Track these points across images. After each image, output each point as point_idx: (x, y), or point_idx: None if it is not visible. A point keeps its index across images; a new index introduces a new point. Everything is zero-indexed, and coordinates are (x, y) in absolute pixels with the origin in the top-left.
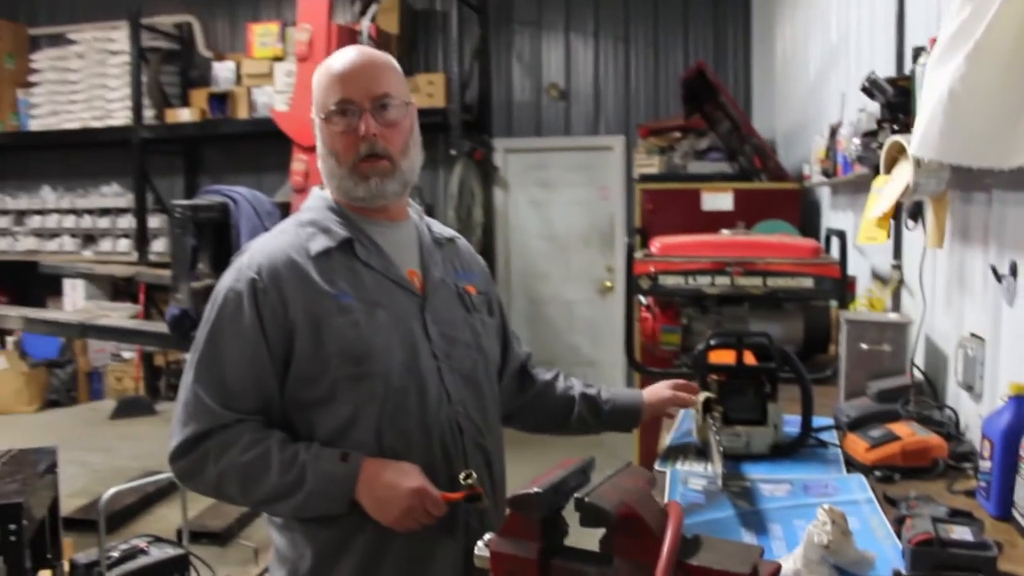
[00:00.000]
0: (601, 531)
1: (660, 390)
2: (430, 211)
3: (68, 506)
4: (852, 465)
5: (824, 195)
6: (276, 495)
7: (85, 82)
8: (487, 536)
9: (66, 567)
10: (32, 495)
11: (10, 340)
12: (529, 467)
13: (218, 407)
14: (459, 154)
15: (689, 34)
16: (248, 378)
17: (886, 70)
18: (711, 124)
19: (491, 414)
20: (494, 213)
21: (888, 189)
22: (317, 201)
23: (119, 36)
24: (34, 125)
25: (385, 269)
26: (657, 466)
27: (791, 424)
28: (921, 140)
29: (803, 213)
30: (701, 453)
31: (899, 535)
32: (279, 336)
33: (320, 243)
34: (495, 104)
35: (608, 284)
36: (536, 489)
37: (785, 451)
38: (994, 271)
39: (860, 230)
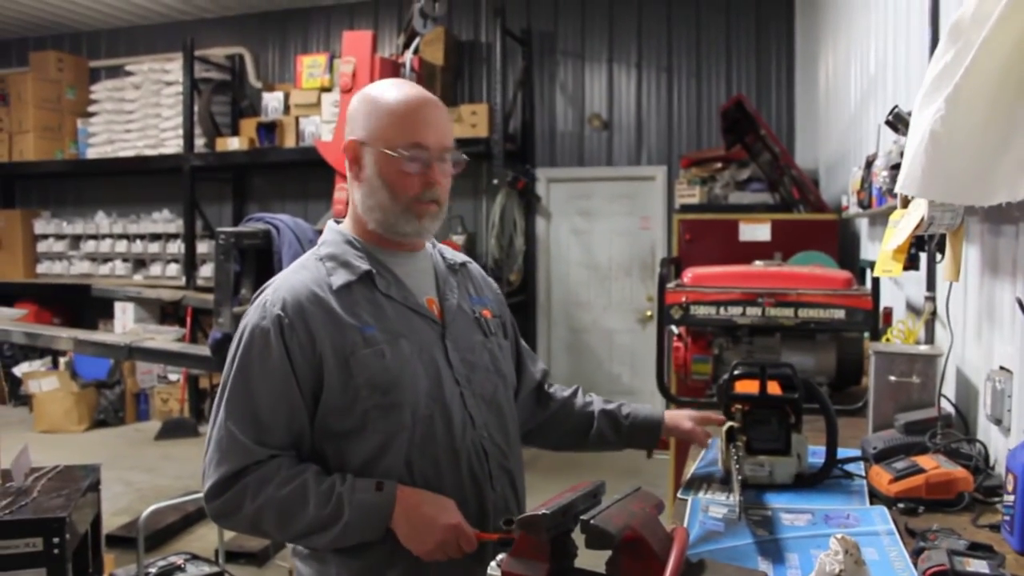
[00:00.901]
0: (610, 553)
1: (681, 419)
2: (472, 239)
3: (112, 524)
4: (876, 497)
5: (862, 226)
6: (314, 528)
7: (140, 112)
8: (499, 556)
9: None
10: (75, 510)
11: (62, 361)
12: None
13: (252, 443)
14: (501, 183)
15: (732, 65)
16: (280, 413)
17: None
18: (752, 155)
19: (512, 435)
20: (536, 242)
21: (904, 223)
22: (334, 235)
23: (173, 67)
24: (91, 153)
25: (405, 299)
26: (680, 494)
27: (817, 455)
28: (905, 178)
29: (841, 244)
30: (725, 482)
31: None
32: (308, 370)
33: (341, 277)
34: (538, 134)
35: (649, 314)
36: (544, 511)
37: (809, 482)
38: (1020, 304)
39: (877, 262)
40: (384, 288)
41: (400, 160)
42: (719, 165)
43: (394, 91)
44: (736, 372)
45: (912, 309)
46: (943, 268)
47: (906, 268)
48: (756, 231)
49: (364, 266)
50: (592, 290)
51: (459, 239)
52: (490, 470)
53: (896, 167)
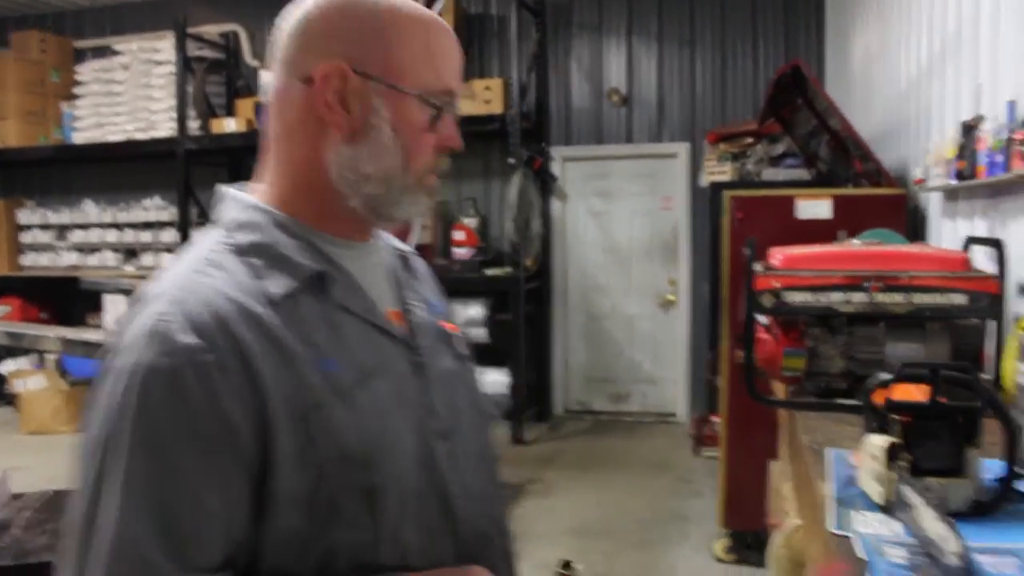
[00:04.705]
0: None
1: None
2: (485, 222)
3: None
4: None
5: (932, 202)
6: None
7: (129, 93)
8: None
9: None
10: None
11: (50, 358)
12: (593, 493)
13: (173, 566)
14: (517, 163)
15: (758, 36)
16: (213, 513)
17: None
18: (788, 128)
19: (504, 502)
20: (551, 224)
21: None
22: (251, 213)
23: (164, 46)
24: (77, 138)
25: (369, 314)
26: (833, 528)
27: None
28: None
29: (908, 221)
30: (883, 510)
31: None
32: (250, 436)
33: (280, 282)
34: (553, 111)
35: (671, 298)
36: None
37: (987, 508)
38: None
39: None
40: (343, 299)
41: (426, 112)
42: (750, 140)
43: (427, 16)
44: (899, 375)
45: None
46: None
47: None
48: (815, 208)
49: (313, 264)
50: (611, 274)
51: (471, 222)
52: (494, 563)
53: None
